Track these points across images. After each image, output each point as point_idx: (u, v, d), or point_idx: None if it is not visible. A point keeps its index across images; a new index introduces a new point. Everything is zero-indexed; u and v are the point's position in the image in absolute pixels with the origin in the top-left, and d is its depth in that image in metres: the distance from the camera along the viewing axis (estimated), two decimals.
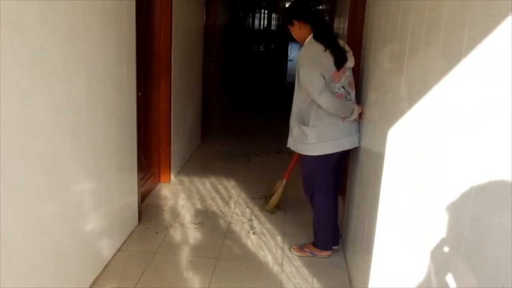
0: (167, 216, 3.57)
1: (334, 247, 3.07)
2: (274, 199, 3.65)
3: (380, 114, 2.31)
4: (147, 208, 3.66)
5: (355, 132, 2.80)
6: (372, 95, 2.59)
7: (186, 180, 4.37)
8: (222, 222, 3.51)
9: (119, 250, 3.00)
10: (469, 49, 1.36)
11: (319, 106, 2.70)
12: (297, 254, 3.04)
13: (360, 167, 2.73)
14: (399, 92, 1.99)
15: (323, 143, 2.74)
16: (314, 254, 3.03)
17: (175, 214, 3.60)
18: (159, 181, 4.24)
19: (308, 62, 2.63)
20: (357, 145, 2.80)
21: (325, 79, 2.64)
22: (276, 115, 7.00)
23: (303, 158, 2.87)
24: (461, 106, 1.42)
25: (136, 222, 3.36)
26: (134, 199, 3.28)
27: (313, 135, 2.73)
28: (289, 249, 3.11)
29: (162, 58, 3.98)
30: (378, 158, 2.18)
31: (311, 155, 2.79)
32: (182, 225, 3.42)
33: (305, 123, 2.76)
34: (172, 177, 4.35)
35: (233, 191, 4.14)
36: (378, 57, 2.49)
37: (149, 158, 3.96)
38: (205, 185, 4.26)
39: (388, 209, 2.03)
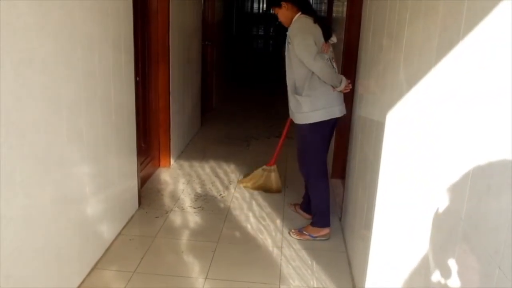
0: (167, 200, 3.58)
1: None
2: (250, 180, 3.78)
3: (379, 96, 2.30)
4: (147, 193, 3.67)
5: (342, 102, 2.98)
6: (371, 76, 2.58)
7: (185, 164, 4.38)
8: (222, 206, 3.52)
9: (119, 234, 3.02)
10: (468, 30, 1.35)
11: (312, 77, 2.84)
12: (296, 237, 3.07)
13: (359, 151, 2.73)
14: (398, 74, 1.98)
15: (317, 111, 2.87)
16: (313, 237, 3.05)
17: (175, 198, 3.61)
18: (159, 165, 4.25)
19: (301, 31, 2.80)
20: (345, 113, 2.98)
21: (317, 46, 2.80)
22: (275, 99, 6.99)
23: (299, 129, 2.96)
24: (460, 88, 1.42)
25: (136, 206, 3.37)
26: (134, 183, 3.29)
27: (307, 104, 2.87)
28: (289, 233, 3.13)
29: (160, 41, 3.96)
30: (377, 142, 2.18)
31: (307, 123, 2.90)
32: (182, 209, 3.43)
33: (299, 93, 2.89)
34: (172, 161, 4.35)
35: (232, 176, 4.14)
36: (376, 40, 2.48)
37: (149, 143, 3.96)
38: (205, 170, 4.26)
39: (387, 191, 2.04)
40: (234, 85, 8.61)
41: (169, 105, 4.17)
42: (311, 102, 2.87)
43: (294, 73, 2.90)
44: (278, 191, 3.73)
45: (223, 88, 7.72)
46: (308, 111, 2.88)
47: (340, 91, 2.92)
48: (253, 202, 3.61)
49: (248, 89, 8.59)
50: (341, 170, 3.97)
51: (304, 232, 3.08)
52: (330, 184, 3.81)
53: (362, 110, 2.78)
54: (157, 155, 4.19)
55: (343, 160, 3.87)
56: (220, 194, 3.72)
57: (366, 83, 2.72)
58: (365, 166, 2.49)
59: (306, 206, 3.31)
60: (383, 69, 2.28)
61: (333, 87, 2.88)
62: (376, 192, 2.10)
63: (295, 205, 3.49)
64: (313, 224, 3.09)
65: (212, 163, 4.44)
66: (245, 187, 3.81)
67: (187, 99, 4.90)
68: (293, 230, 3.12)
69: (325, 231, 3.06)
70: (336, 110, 2.92)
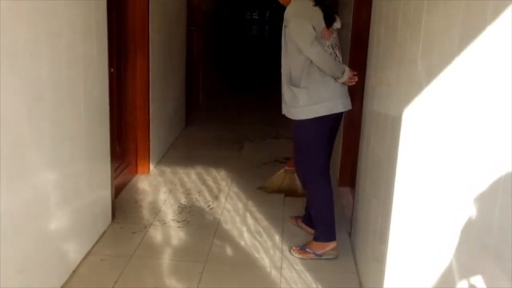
0: (145, 213, 3.57)
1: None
2: (274, 181, 3.81)
3: (393, 89, 2.30)
4: (122, 204, 3.66)
5: (347, 95, 3.01)
6: (384, 67, 2.59)
7: (168, 170, 4.37)
8: (210, 219, 3.51)
9: (89, 253, 3.00)
10: (495, 15, 1.35)
11: (311, 66, 2.88)
12: (298, 256, 3.06)
13: (371, 154, 2.73)
14: (415, 65, 1.98)
15: (315, 105, 2.90)
16: (318, 255, 3.04)
17: (155, 210, 3.60)
18: (136, 172, 4.24)
19: (297, 15, 2.85)
20: (349, 107, 3.01)
21: (315, 31, 2.83)
22: (272, 93, 7.00)
23: (295, 126, 3.01)
24: (488, 80, 1.41)
25: (109, 220, 3.36)
26: (106, 193, 3.28)
27: (305, 97, 2.90)
28: (289, 251, 3.12)
29: (138, 27, 3.95)
30: (392, 144, 2.18)
31: (303, 119, 2.93)
32: (164, 223, 3.42)
33: (296, 85, 2.92)
34: (152, 167, 4.35)
35: (223, 183, 4.14)
36: (390, 25, 2.48)
37: (124, 146, 3.95)
38: (191, 177, 4.26)
39: (405, 202, 2.03)
40: (225, 78, 8.61)
41: (148, 101, 4.16)
42: (308, 95, 2.90)
43: (290, 61, 2.92)
44: (304, 195, 3.70)
45: (212, 81, 7.72)
46: (305, 105, 2.91)
47: (343, 83, 2.95)
48: (247, 215, 3.60)
49: (241, 83, 8.60)
50: (350, 176, 3.97)
51: (307, 249, 3.07)
52: (337, 193, 3.81)
53: (374, 106, 2.78)
54: (134, 160, 4.18)
55: (352, 165, 3.87)
56: (209, 205, 3.71)
57: (379, 75, 2.73)
58: (378, 172, 2.49)
59: (309, 219, 3.29)
60: (399, 59, 2.28)
61: (334, 78, 2.91)
62: (391, 203, 2.10)
63: (296, 218, 3.48)
64: (316, 238, 3.09)
65: (199, 169, 4.43)
66: (269, 192, 3.85)
67: (169, 94, 4.89)
68: (294, 248, 3.11)
69: (331, 245, 3.06)
70: (338, 104, 2.95)
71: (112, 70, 3.37)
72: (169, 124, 4.96)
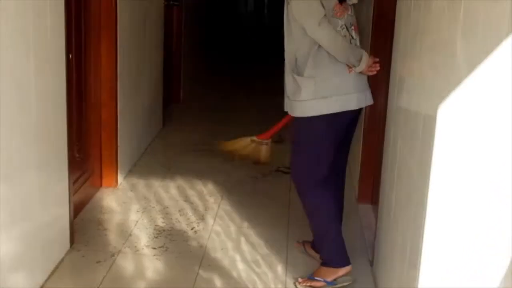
0: (112, 237, 3.57)
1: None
2: (232, 145, 3.86)
3: (427, 82, 2.32)
4: (83, 226, 3.66)
5: (365, 87, 3.04)
6: (414, 54, 2.60)
7: (140, 183, 4.38)
8: (195, 245, 3.51)
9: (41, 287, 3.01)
10: None
11: (319, 51, 2.91)
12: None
13: (398, 162, 2.75)
14: (454, 52, 2.00)
15: (323, 100, 2.93)
16: (330, 283, 3.08)
17: (125, 234, 3.61)
18: (101, 185, 4.25)
19: None
20: (370, 103, 3.08)
21: (324, 9, 2.86)
22: (272, 85, 7.00)
23: (296, 123, 3.05)
24: None
25: (67, 246, 3.36)
26: (63, 212, 3.28)
27: (310, 88, 2.93)
28: (294, 284, 3.14)
29: (103, 3, 3.95)
30: (424, 149, 2.19)
31: (306, 117, 2.96)
32: (136, 250, 3.42)
33: (300, 73, 2.96)
34: (120, 179, 4.35)
35: (211, 200, 4.15)
36: (422, 3, 2.50)
37: (86, 151, 3.96)
38: (170, 191, 4.26)
39: (441, 222, 2.04)
40: (213, 65, 8.61)
41: (116, 96, 4.17)
42: (315, 86, 2.93)
43: (294, 44, 2.97)
44: (265, 163, 3.78)
45: (197, 69, 7.73)
46: (309, 98, 2.94)
47: (361, 73, 2.97)
48: (242, 239, 3.60)
49: (234, 70, 8.59)
50: (372, 191, 3.98)
51: (316, 278, 3.10)
52: (356, 212, 3.84)
53: (402, 102, 2.80)
54: (98, 170, 4.19)
55: (374, 176, 3.88)
56: (193, 228, 3.72)
57: (408, 62, 2.74)
58: (408, 185, 2.50)
59: None
60: (433, 44, 2.29)
61: (348, 66, 2.94)
62: (423, 224, 2.11)
63: (304, 243, 3.48)
64: (325, 263, 3.12)
65: (180, 182, 4.44)
66: (223, 150, 3.89)
67: (142, 87, 4.90)
68: (300, 280, 3.14)
69: (344, 270, 3.10)
70: (352, 100, 2.98)
71: (70, 56, 3.37)
72: (143, 124, 4.97)
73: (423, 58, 2.45)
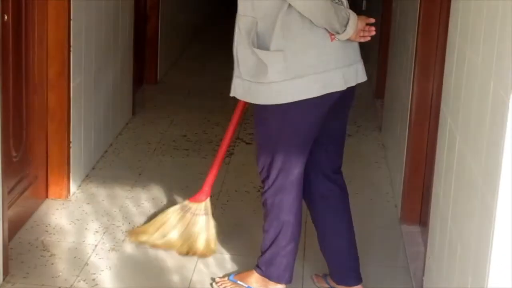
0: (62, 267, 3.57)
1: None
2: (153, 229, 3.74)
3: (499, 61, 2.31)
4: (22, 251, 3.67)
5: (355, 60, 3.14)
6: (477, 18, 2.59)
7: (101, 193, 4.38)
8: (175, 279, 3.53)
9: None
10: None
11: (289, 13, 2.93)
12: None
13: (456, 169, 2.74)
14: None
15: (297, 80, 2.99)
16: None
17: (80, 263, 3.61)
18: (47, 195, 4.25)
19: None
20: (362, 79, 3.17)
21: None
22: None
23: (258, 113, 3.15)
24: None
25: (0, 279, 3.36)
26: None
27: (279, 65, 2.97)
28: (211, 284, 3.46)
29: None
30: (493, 152, 2.19)
31: (274, 105, 3.02)
32: (95, 284, 3.43)
33: (264, 46, 2.99)
34: (73, 188, 4.37)
35: None
36: None
37: (26, 151, 3.96)
38: (141, 204, 4.27)
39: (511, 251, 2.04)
40: (201, 32, 8.60)
41: (69, 73, 4.17)
42: (285, 63, 2.97)
43: (253, 5, 3.00)
44: (208, 253, 3.70)
45: (179, 38, 7.73)
46: (279, 79, 2.99)
47: (348, 40, 3.04)
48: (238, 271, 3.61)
49: (229, 37, 8.56)
50: (420, 208, 3.98)
51: (239, 282, 3.40)
52: (399, 235, 3.83)
53: (463, 89, 2.78)
54: (42, 175, 4.19)
55: (423, 190, 3.88)
56: (172, 255, 3.71)
57: (470, 43, 2.73)
58: (469, 200, 2.50)
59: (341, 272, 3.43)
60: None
61: (330, 33, 2.98)
62: (489, 252, 2.11)
63: (324, 276, 3.54)
64: (262, 271, 3.33)
65: (155, 191, 4.44)
66: (140, 242, 3.76)
67: (105, 62, 4.89)
68: (217, 280, 3.49)
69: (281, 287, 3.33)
70: (336, 78, 3.04)
71: (5, 17, 3.37)
72: (105, 113, 4.97)
73: (483, 24, 2.44)
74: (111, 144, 5.11)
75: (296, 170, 3.16)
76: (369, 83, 7.00)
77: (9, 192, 3.57)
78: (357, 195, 4.49)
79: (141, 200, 4.33)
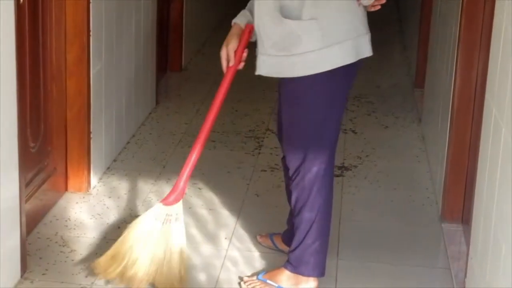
0: (82, 263, 3.58)
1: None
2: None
3: None
4: (41, 247, 3.69)
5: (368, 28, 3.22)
6: None
7: (123, 187, 4.40)
8: (201, 278, 3.55)
9: None
10: None
11: None
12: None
13: (503, 163, 2.73)
14: None
15: (336, 47, 3.06)
16: None
17: None
18: (66, 188, 4.27)
19: None
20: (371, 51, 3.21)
21: None
22: None
23: (289, 91, 3.21)
24: None
25: (17, 275, 3.39)
26: (11, 225, 3.30)
27: (315, 34, 3.04)
28: (239, 284, 3.48)
29: None
30: None
31: (309, 77, 3.08)
32: (117, 284, 3.43)
33: (295, 16, 3.05)
34: (94, 181, 4.39)
35: (224, 213, 4.19)
36: None
37: (45, 142, 3.97)
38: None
39: None
40: (227, 17, 8.60)
41: (88, 60, 4.18)
42: (321, 31, 3.04)
43: None
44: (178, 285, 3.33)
45: (204, 23, 7.73)
46: (316, 48, 3.05)
47: (366, 7, 3.14)
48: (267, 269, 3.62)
49: None
50: (463, 205, 3.96)
51: (269, 281, 3.41)
52: (439, 233, 3.83)
53: (507, 70, 2.77)
54: (62, 167, 4.21)
55: (466, 185, 3.86)
56: (199, 252, 3.74)
57: None
58: None
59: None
60: None
61: None
62: None
63: (273, 236, 3.76)
64: (291, 265, 3.38)
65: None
66: (108, 278, 3.36)
67: (127, 48, 4.91)
68: (246, 279, 3.50)
69: (313, 283, 3.38)
70: (366, 43, 3.17)
71: (21, 0, 3.38)
72: (128, 102, 4.99)
73: None
74: (133, 135, 5.13)
75: (333, 149, 3.28)
76: (408, 72, 7.00)
77: (27, 185, 3.59)
78: (394, 190, 4.50)
79: (165, 194, 4.29)
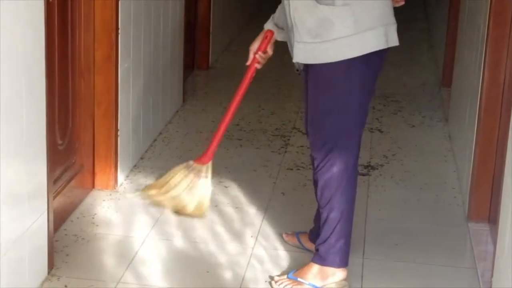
0: (109, 261, 3.61)
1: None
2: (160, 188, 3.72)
3: None
4: (68, 244, 3.71)
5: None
6: None
7: (150, 183, 4.39)
8: (227, 276, 3.56)
9: None
10: None
11: None
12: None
13: None
14: None
15: (368, 33, 3.12)
16: (315, 286, 3.39)
17: (127, 258, 3.64)
18: (93, 186, 4.29)
19: None
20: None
21: None
22: None
23: (321, 76, 3.22)
24: None
25: (44, 272, 3.40)
26: (39, 223, 3.31)
27: (348, 19, 3.08)
28: (270, 283, 3.48)
29: None
30: None
31: (342, 62, 3.12)
32: (143, 284, 3.45)
33: (328, 1, 3.08)
34: (121, 178, 4.40)
35: (251, 211, 4.19)
36: None
37: (73, 139, 3.99)
38: None
39: None
40: (255, 14, 8.58)
41: (117, 58, 4.20)
42: (354, 17, 3.08)
43: None
44: (199, 215, 3.69)
45: (232, 21, 7.72)
46: (349, 33, 3.10)
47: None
48: (293, 267, 3.61)
49: None
50: (490, 204, 3.94)
51: (299, 278, 3.41)
52: (465, 233, 3.82)
53: None
54: (89, 165, 4.23)
55: (494, 183, 3.85)
56: (224, 250, 3.75)
57: None
58: None
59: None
60: None
61: None
62: None
63: (299, 234, 3.75)
64: (319, 259, 3.40)
65: (212, 186, 4.43)
66: (147, 196, 3.82)
67: (155, 46, 4.92)
68: (276, 279, 3.49)
69: (341, 274, 3.40)
70: (394, 32, 3.21)
71: None
72: (155, 100, 4.99)
73: None
74: (160, 133, 5.14)
75: (359, 142, 3.34)
76: (435, 70, 6.97)
77: (54, 182, 3.61)
78: (421, 190, 4.48)
79: None
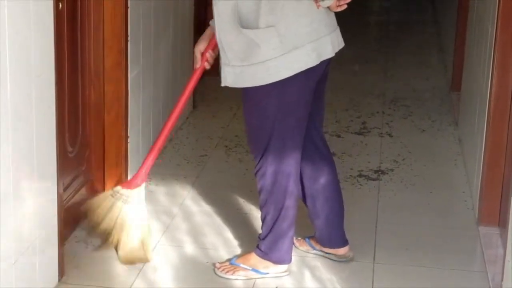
0: (120, 267, 3.61)
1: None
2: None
3: None
4: (78, 251, 3.71)
5: (335, 26, 3.30)
6: None
7: (160, 191, 4.42)
8: (238, 284, 3.55)
9: None
10: None
11: None
12: (225, 275, 3.52)
13: None
14: None
15: (296, 52, 3.12)
16: (258, 271, 3.51)
17: (139, 265, 3.62)
18: (104, 191, 4.25)
19: None
20: (342, 45, 3.33)
21: None
22: (361, 46, 6.94)
23: (250, 97, 3.28)
24: None
25: (55, 280, 3.40)
26: (49, 230, 3.32)
27: (273, 41, 3.10)
28: (214, 270, 3.55)
29: None
30: None
31: (270, 84, 3.13)
32: (154, 287, 3.47)
33: (251, 25, 3.10)
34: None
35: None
36: None
37: (83, 146, 3.99)
38: (202, 204, 4.29)
39: None
40: None
41: (126, 64, 4.21)
42: (279, 37, 3.10)
43: None
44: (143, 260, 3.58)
45: None
46: (276, 55, 3.11)
47: (328, 8, 3.15)
48: (307, 274, 3.62)
49: None
50: (500, 208, 3.93)
51: (242, 264, 3.55)
52: (475, 237, 3.81)
53: None
54: (99, 172, 4.24)
55: (504, 187, 3.84)
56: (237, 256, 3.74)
57: None
58: None
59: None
60: None
61: (315, 0, 3.03)
62: None
63: (310, 239, 3.80)
64: (260, 253, 3.51)
65: (218, 191, 4.45)
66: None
67: (164, 51, 4.92)
68: (218, 265, 3.58)
69: (282, 267, 3.53)
70: (327, 44, 3.21)
71: (60, 5, 3.40)
72: (164, 106, 4.99)
73: None
74: (170, 139, 5.13)
75: (294, 153, 3.31)
76: (445, 74, 6.95)
77: (65, 189, 3.62)
78: (431, 194, 4.48)
79: (202, 198, 4.33)
